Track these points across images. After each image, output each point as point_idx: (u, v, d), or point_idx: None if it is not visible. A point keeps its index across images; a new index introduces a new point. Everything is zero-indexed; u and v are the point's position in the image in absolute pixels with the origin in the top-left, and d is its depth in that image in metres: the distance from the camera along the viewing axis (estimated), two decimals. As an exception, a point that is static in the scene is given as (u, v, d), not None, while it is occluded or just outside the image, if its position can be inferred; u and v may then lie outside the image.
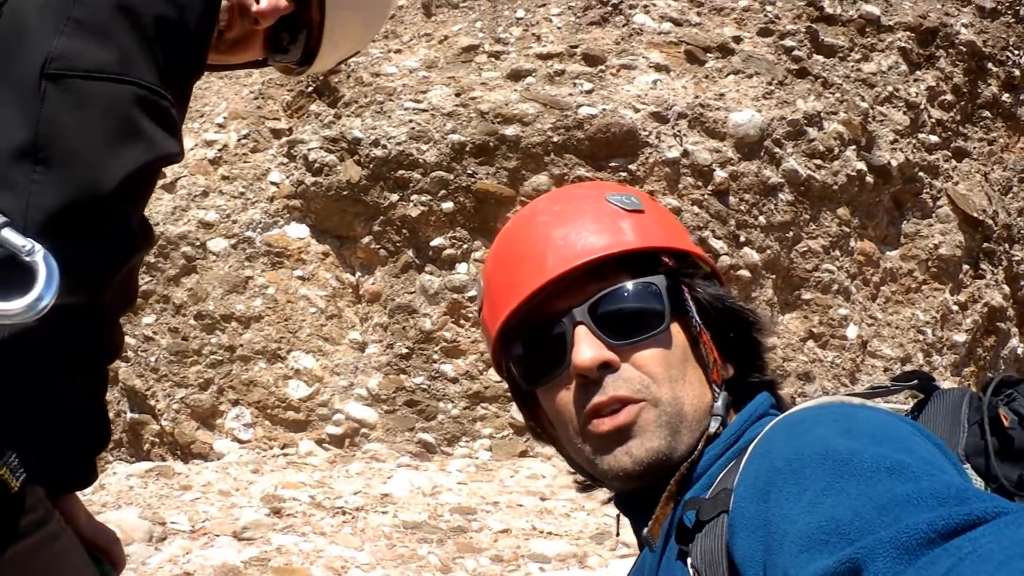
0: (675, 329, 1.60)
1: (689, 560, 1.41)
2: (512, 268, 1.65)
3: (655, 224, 1.65)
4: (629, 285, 1.58)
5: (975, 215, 6.92)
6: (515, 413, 5.95)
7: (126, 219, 1.57)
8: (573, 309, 1.57)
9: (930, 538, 1.03)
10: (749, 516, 1.30)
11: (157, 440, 6.41)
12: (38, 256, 1.42)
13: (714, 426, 1.56)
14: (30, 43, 1.52)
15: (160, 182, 6.57)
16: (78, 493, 1.86)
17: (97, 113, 1.51)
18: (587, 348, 1.54)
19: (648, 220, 1.65)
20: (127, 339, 6.37)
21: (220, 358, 6.26)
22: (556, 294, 1.59)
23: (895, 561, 1.03)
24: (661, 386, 1.55)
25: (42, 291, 1.42)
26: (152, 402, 6.36)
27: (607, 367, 1.54)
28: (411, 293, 6.16)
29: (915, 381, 1.66)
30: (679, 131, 6.14)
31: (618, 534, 1.85)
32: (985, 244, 7.03)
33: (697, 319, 1.61)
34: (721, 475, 1.48)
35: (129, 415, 6.46)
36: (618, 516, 1.74)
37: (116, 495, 5.08)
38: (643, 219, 1.64)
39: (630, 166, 6.05)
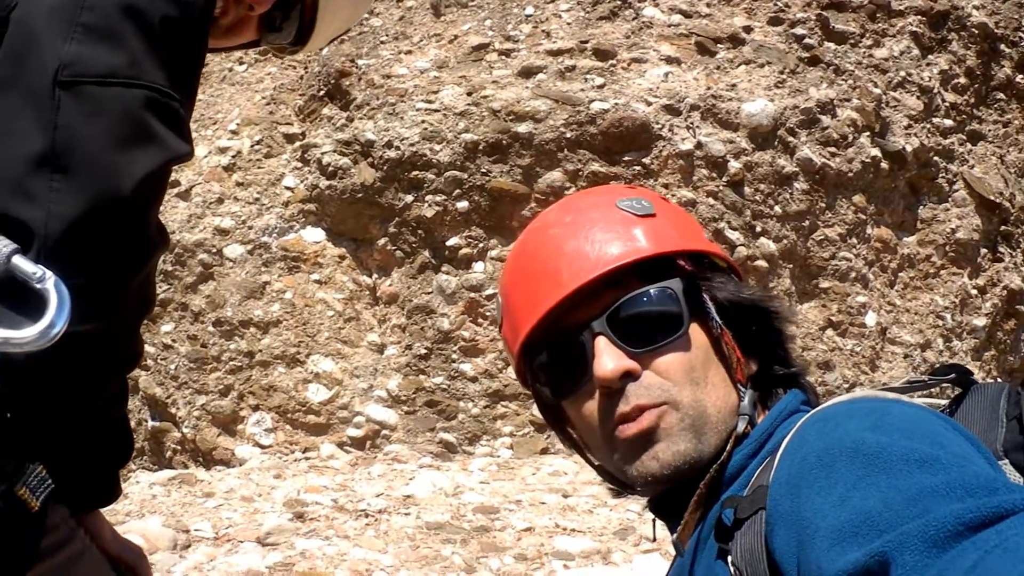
0: (695, 332, 1.60)
1: (730, 558, 1.41)
2: (528, 284, 1.66)
3: (668, 227, 1.65)
4: (646, 292, 1.59)
5: (992, 198, 6.88)
6: (536, 411, 5.94)
7: (145, 220, 1.58)
8: (592, 321, 1.58)
9: (958, 531, 1.04)
10: (784, 511, 1.31)
11: (179, 448, 6.43)
12: (49, 283, 1.42)
13: (741, 426, 1.57)
14: (40, 51, 1.52)
15: (174, 190, 6.59)
16: (103, 509, 1.86)
17: (111, 118, 1.51)
18: (608, 359, 1.54)
19: (660, 224, 1.65)
20: (147, 348, 6.39)
21: (239, 364, 6.28)
22: (574, 306, 1.59)
23: (923, 554, 1.05)
24: (682, 390, 1.55)
25: (54, 318, 1.42)
26: (173, 410, 6.38)
27: (629, 376, 1.55)
28: (428, 293, 6.16)
29: (952, 375, 1.65)
30: (692, 123, 6.13)
31: (654, 539, 1.86)
32: (1003, 227, 6.99)
33: (717, 319, 1.61)
34: (757, 472, 1.50)
35: (150, 423, 6.49)
36: (654, 520, 1.75)
37: (139, 504, 5.10)
38: (655, 223, 1.64)
39: (644, 159, 6.04)
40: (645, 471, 1.56)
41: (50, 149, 1.47)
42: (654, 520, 1.75)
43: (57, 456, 1.58)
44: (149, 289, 1.72)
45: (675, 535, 1.57)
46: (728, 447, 1.56)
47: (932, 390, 1.67)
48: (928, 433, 1.27)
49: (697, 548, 1.55)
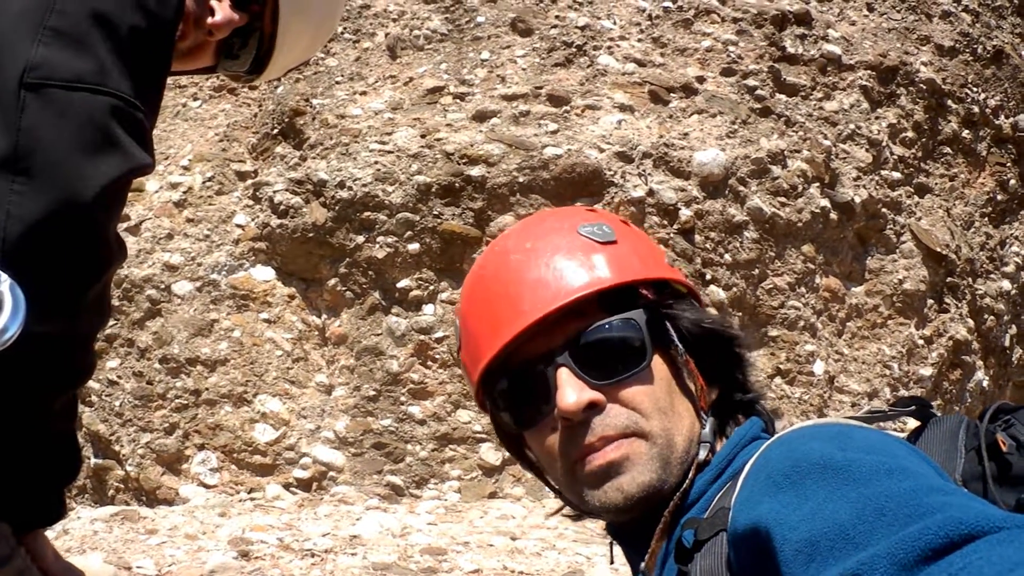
0: (657, 362, 1.59)
1: None
2: (488, 311, 1.64)
3: (630, 255, 1.64)
4: (608, 323, 1.57)
5: (938, 250, 6.97)
6: (484, 455, 5.93)
7: (105, 229, 1.56)
8: (553, 352, 1.56)
9: (926, 555, 1.06)
10: (747, 528, 1.31)
11: (122, 486, 6.33)
12: (4, 286, 1.40)
13: (703, 454, 1.57)
14: (6, 52, 1.51)
15: (123, 225, 6.52)
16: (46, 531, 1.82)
17: (76, 123, 1.50)
18: (571, 391, 1.53)
19: (622, 251, 1.64)
20: (90, 384, 6.30)
21: (185, 402, 6.20)
22: (535, 335, 1.57)
23: None
24: (651, 420, 1.54)
25: (7, 322, 1.40)
26: (116, 447, 6.28)
27: (593, 408, 1.53)
28: (378, 335, 6.13)
29: (913, 407, 1.68)
30: (644, 170, 6.17)
31: (612, 561, 1.85)
32: (949, 279, 7.08)
33: (681, 349, 1.60)
34: (718, 496, 1.50)
35: (93, 460, 6.38)
36: (611, 543, 1.74)
37: (80, 540, 5.00)
38: (617, 251, 1.63)
39: (596, 206, 6.06)
40: (608, 501, 1.54)
41: (12, 151, 1.46)
42: (611, 543, 1.74)
43: (1, 469, 1.55)
44: (105, 301, 1.70)
45: (643, 564, 1.56)
46: (691, 474, 1.55)
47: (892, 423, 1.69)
48: (892, 454, 1.28)
49: (660, 571, 1.55)
